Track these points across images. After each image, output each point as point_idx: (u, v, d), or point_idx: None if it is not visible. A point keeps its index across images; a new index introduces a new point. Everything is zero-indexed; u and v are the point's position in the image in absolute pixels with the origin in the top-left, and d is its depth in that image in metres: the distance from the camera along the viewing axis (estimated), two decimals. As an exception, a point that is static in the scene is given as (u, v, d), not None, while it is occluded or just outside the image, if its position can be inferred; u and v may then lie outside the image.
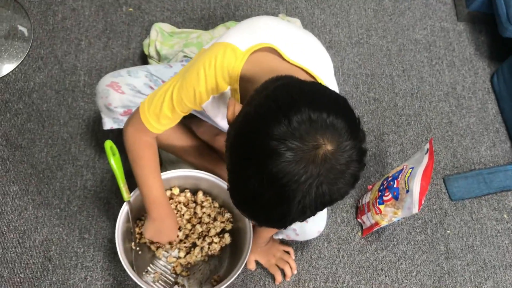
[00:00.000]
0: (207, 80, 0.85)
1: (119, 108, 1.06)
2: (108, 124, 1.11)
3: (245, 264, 1.08)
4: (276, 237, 1.18)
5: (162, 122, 0.93)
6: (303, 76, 0.79)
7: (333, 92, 0.67)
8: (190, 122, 1.21)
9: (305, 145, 0.60)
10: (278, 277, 1.24)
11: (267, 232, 1.19)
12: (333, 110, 0.62)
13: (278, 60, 0.83)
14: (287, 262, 1.24)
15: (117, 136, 1.32)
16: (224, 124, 1.00)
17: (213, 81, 0.85)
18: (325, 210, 1.17)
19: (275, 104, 0.63)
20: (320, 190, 0.62)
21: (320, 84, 0.70)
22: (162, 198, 1.06)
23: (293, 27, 0.93)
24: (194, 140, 1.19)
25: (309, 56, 0.88)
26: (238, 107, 0.71)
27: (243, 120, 0.67)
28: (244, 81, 0.84)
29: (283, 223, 0.66)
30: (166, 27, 1.39)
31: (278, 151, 0.60)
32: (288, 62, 0.83)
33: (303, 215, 0.65)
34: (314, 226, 1.15)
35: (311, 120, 0.60)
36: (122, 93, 1.06)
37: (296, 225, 1.13)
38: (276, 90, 0.66)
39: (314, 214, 0.65)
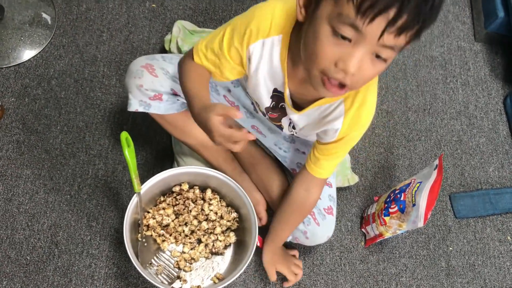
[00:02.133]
0: (261, 19, 0.87)
1: (149, 91, 1.06)
2: (134, 105, 1.09)
3: (247, 265, 1.09)
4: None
5: (208, 56, 0.95)
6: None
7: None
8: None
9: None
10: (293, 281, 1.22)
11: (286, 232, 1.18)
12: None
13: None
14: (299, 266, 1.24)
15: (132, 128, 1.35)
16: (263, 94, 1.01)
17: (268, 21, 0.87)
18: (334, 217, 1.18)
19: None
20: None
21: None
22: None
23: None
24: None
25: None
26: None
27: None
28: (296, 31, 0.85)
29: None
30: (188, 25, 1.41)
31: None
32: None
33: None
34: (325, 230, 1.16)
35: None
36: (155, 76, 1.06)
37: (308, 227, 1.14)
38: None
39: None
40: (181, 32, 1.38)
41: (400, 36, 0.69)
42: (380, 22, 0.67)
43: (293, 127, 1.10)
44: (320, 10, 0.74)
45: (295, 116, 1.00)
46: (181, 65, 1.00)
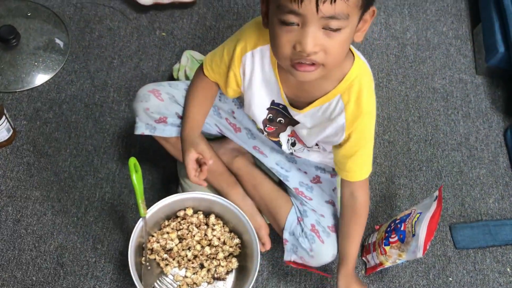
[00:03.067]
0: (248, 32, 1.00)
1: (155, 114, 1.14)
2: (140, 129, 1.16)
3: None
4: (287, 258, 1.19)
5: (213, 67, 1.09)
6: None
7: None
8: (211, 143, 1.26)
9: None
10: None
11: (353, 247, 1.14)
12: None
13: None
14: None
15: (139, 152, 1.38)
16: (257, 106, 1.08)
17: (254, 33, 0.99)
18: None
19: None
20: None
21: None
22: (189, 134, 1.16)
23: None
24: (216, 156, 1.24)
25: None
26: None
27: None
28: None
29: None
30: (196, 55, 1.46)
31: None
32: None
33: None
34: (330, 248, 1.15)
35: None
36: (161, 100, 1.14)
37: (313, 245, 1.15)
38: None
39: None
40: (189, 62, 1.43)
41: (336, 2, 0.75)
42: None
43: (292, 144, 1.13)
44: (270, 11, 0.84)
45: (299, 116, 1.04)
46: (194, 76, 1.14)
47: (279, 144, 1.17)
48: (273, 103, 1.05)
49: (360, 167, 1.09)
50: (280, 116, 1.07)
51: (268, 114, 1.08)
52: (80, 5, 1.58)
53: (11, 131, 1.32)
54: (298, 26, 0.80)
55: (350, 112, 0.99)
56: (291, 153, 1.19)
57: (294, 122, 1.08)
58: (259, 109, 1.07)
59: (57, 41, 1.51)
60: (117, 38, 1.55)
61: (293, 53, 0.83)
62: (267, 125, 1.11)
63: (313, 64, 0.84)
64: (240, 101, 1.22)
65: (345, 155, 1.07)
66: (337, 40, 0.81)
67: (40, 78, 1.45)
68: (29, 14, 1.52)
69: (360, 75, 0.97)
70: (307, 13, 0.77)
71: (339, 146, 1.07)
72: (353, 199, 1.11)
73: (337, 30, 0.79)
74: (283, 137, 1.13)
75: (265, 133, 1.14)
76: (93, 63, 1.50)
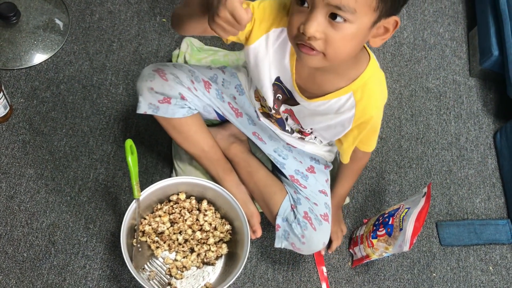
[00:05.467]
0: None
1: (159, 94, 1.14)
2: (143, 108, 1.16)
3: (237, 277, 1.13)
4: (277, 245, 1.22)
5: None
6: None
7: None
8: (209, 129, 1.28)
9: None
10: (335, 245, 1.34)
11: (345, 187, 1.30)
12: None
13: None
14: (342, 231, 1.36)
15: (135, 136, 1.39)
16: (263, 77, 1.07)
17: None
18: (329, 224, 1.22)
19: None
20: None
21: None
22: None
23: None
24: (213, 141, 1.26)
25: None
26: None
27: None
28: None
29: None
30: (196, 42, 1.47)
31: None
32: None
33: None
34: (321, 235, 1.19)
35: None
36: (165, 80, 1.14)
37: (305, 232, 1.18)
38: None
39: None
40: (189, 48, 1.44)
41: None
42: None
43: (286, 119, 1.15)
44: None
45: (305, 103, 1.06)
46: None
47: (281, 121, 1.19)
48: (277, 79, 1.06)
49: (366, 147, 1.17)
50: (280, 93, 1.09)
51: (272, 91, 1.10)
52: (82, -14, 1.58)
53: (8, 108, 1.33)
54: (308, 8, 0.82)
55: (361, 109, 1.01)
56: (291, 130, 1.21)
57: (293, 103, 1.10)
58: (268, 83, 1.08)
59: (57, 21, 1.51)
60: (117, 21, 1.55)
61: (297, 33, 0.85)
62: (275, 103, 1.13)
63: (313, 49, 0.86)
64: (242, 88, 1.23)
65: (352, 145, 1.13)
66: (340, 32, 0.82)
67: (39, 57, 1.45)
68: (30, -7, 1.52)
69: (375, 75, 0.99)
70: None
71: (345, 139, 1.12)
72: (354, 156, 1.18)
73: (341, 22, 0.81)
74: (283, 112, 1.16)
75: (273, 111, 1.15)
76: (92, 45, 1.50)
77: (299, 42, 0.86)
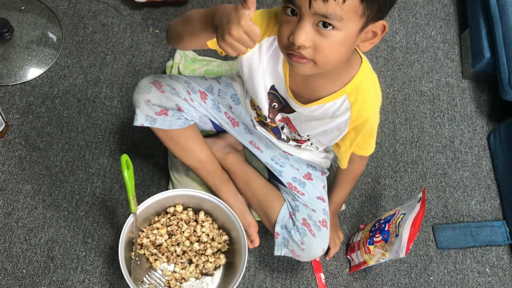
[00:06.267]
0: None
1: (156, 106, 1.15)
2: (140, 120, 1.16)
3: (236, 286, 1.14)
4: (277, 253, 1.23)
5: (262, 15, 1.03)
6: None
7: None
8: (205, 139, 1.29)
9: None
10: (333, 252, 1.36)
11: (341, 196, 1.32)
12: None
13: None
14: (339, 238, 1.38)
15: (131, 148, 1.40)
16: (258, 83, 1.08)
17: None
18: (328, 230, 1.22)
19: None
20: None
21: None
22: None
23: None
24: (210, 152, 1.27)
25: None
26: None
27: None
28: None
29: None
30: (189, 52, 1.48)
31: None
32: None
33: None
34: (320, 241, 1.19)
35: None
36: (162, 92, 1.15)
37: (304, 239, 1.18)
38: None
39: None
40: (183, 59, 1.45)
41: (329, 1, 0.78)
42: None
43: (282, 128, 1.16)
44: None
45: (300, 109, 1.07)
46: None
47: (277, 130, 1.20)
48: (272, 87, 1.07)
49: (368, 144, 1.16)
50: (275, 102, 1.10)
51: (268, 100, 1.11)
52: (74, 0, 1.58)
53: (3, 124, 1.33)
54: (297, 18, 0.84)
55: (356, 111, 1.02)
56: (287, 139, 1.22)
57: (289, 110, 1.11)
58: (263, 92, 1.09)
59: (51, 35, 1.52)
60: (110, 34, 1.56)
61: (287, 43, 0.87)
62: (270, 112, 1.14)
63: (304, 57, 0.87)
64: (238, 98, 1.24)
65: (349, 149, 1.13)
66: (328, 40, 0.83)
67: (33, 72, 1.46)
68: (22, 8, 1.53)
69: (368, 77, 1.01)
70: (302, 6, 0.81)
71: (342, 142, 1.12)
72: (350, 162, 1.19)
73: (329, 30, 0.82)
74: (278, 121, 1.16)
75: (268, 119, 1.16)
76: (86, 58, 1.51)
77: (290, 51, 0.87)
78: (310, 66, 0.88)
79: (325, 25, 0.81)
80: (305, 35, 0.82)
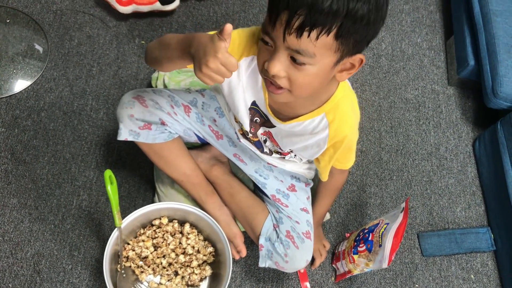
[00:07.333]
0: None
1: (139, 121, 1.16)
2: (124, 135, 1.16)
3: None
4: (261, 265, 1.24)
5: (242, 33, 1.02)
6: None
7: None
8: (190, 151, 1.29)
9: None
10: (318, 262, 1.38)
11: (324, 208, 1.33)
12: None
13: None
14: (321, 254, 1.38)
15: (116, 161, 1.41)
16: (238, 101, 1.08)
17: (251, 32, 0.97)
18: (311, 241, 1.24)
19: None
20: None
21: None
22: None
23: None
24: (195, 164, 1.28)
25: None
26: None
27: None
28: None
29: None
30: (174, 65, 1.48)
31: None
32: None
33: None
34: (304, 253, 1.21)
35: None
36: (145, 107, 1.16)
37: (288, 251, 1.20)
38: None
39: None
40: (168, 71, 1.45)
41: (302, 38, 0.79)
42: (279, 27, 0.79)
43: (264, 141, 1.17)
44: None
45: (281, 125, 1.08)
46: None
47: (259, 143, 1.21)
48: (253, 103, 1.08)
49: (347, 158, 1.16)
50: (257, 116, 1.11)
51: (249, 115, 1.12)
52: (60, 12, 1.59)
53: (-11, 138, 1.34)
54: (272, 47, 0.85)
55: (334, 129, 1.03)
56: (270, 152, 1.23)
57: (270, 125, 1.12)
58: (244, 108, 1.10)
59: (37, 47, 1.52)
60: (96, 45, 1.56)
61: (263, 69, 0.88)
62: (252, 127, 1.15)
63: (280, 87, 0.88)
64: (221, 110, 1.25)
65: (329, 164, 1.14)
66: (302, 73, 0.84)
67: (19, 85, 1.46)
68: (8, 21, 1.53)
69: (346, 96, 1.01)
70: (276, 39, 0.82)
71: (322, 158, 1.13)
72: (331, 175, 1.20)
73: (302, 64, 0.83)
74: (260, 135, 1.17)
75: (250, 134, 1.17)
76: (72, 70, 1.51)
77: (265, 77, 0.89)
78: (286, 94, 0.90)
79: (298, 59, 0.82)
80: (279, 66, 0.84)
